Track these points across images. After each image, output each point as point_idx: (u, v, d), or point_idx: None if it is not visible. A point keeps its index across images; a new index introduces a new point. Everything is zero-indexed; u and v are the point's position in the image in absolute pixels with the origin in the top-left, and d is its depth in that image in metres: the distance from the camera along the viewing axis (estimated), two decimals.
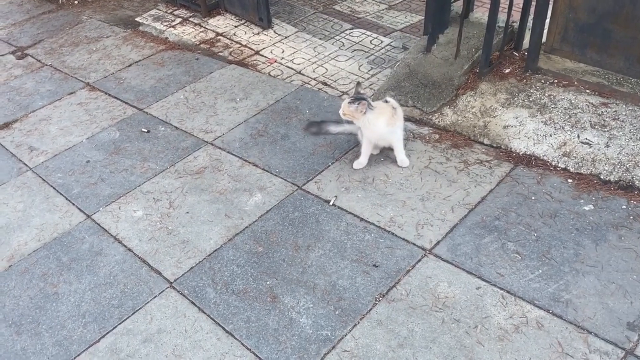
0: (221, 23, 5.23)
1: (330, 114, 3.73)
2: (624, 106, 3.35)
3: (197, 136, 3.78)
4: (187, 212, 3.16)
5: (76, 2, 6.20)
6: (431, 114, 3.62)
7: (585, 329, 2.32)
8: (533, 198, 2.96)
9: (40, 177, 3.60)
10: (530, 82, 3.66)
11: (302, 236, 2.92)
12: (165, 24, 5.35)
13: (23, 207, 3.36)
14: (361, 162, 3.30)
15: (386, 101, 3.20)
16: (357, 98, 3.06)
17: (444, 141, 3.43)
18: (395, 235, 2.85)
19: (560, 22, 3.56)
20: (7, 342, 2.57)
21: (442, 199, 3.03)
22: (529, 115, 3.43)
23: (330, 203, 3.10)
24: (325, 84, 4.19)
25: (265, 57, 4.62)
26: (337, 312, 2.52)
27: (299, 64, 4.47)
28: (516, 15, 3.87)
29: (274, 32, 4.94)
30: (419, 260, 2.71)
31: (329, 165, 3.37)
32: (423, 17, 4.40)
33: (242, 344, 2.44)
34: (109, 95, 4.39)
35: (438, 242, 2.79)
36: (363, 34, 4.82)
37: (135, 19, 5.55)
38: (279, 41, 4.81)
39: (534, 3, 3.57)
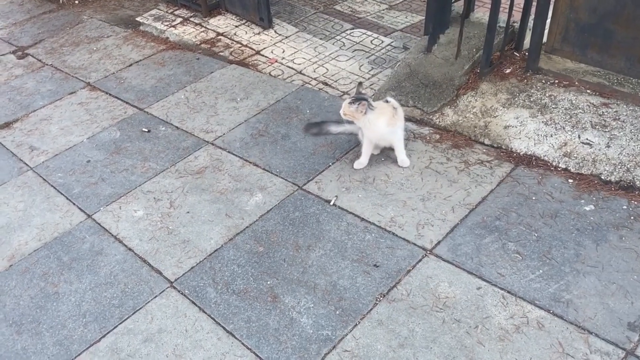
0: (222, 23, 5.23)
1: (331, 114, 3.73)
2: (624, 106, 3.35)
3: (198, 136, 3.78)
4: (188, 212, 3.16)
5: (77, 1, 6.20)
6: (432, 114, 3.62)
7: (586, 329, 2.32)
8: (534, 198, 2.96)
9: (40, 176, 3.60)
10: (531, 82, 3.66)
11: (303, 236, 2.92)
12: (166, 23, 5.35)
13: (24, 207, 3.36)
14: (362, 162, 3.30)
15: (387, 101, 3.20)
16: (358, 98, 3.06)
17: (444, 141, 3.43)
18: (396, 235, 2.85)
19: (561, 22, 3.56)
20: (7, 342, 2.57)
21: (443, 199, 3.03)
22: (529, 115, 3.43)
23: (331, 203, 3.10)
24: (325, 84, 4.19)
25: (265, 57, 4.62)
26: (337, 312, 2.52)
27: (300, 63, 4.47)
28: (517, 16, 3.87)
29: (275, 32, 4.95)
30: (420, 260, 2.71)
31: (330, 165, 3.37)
32: (424, 17, 4.40)
33: (242, 343, 2.44)
34: (110, 95, 4.39)
35: (439, 242, 2.79)
36: (364, 34, 4.82)
37: (136, 19, 5.55)
38: (280, 41, 4.81)
39: (534, 3, 3.57)
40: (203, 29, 5.18)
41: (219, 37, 5.01)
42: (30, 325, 2.64)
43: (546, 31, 3.61)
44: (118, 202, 3.30)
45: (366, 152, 3.27)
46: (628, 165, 3.02)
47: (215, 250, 2.90)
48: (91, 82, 4.59)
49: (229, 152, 3.60)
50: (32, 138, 3.99)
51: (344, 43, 4.71)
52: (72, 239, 3.09)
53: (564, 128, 3.30)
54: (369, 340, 2.39)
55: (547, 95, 3.53)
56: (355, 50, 4.59)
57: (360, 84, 3.23)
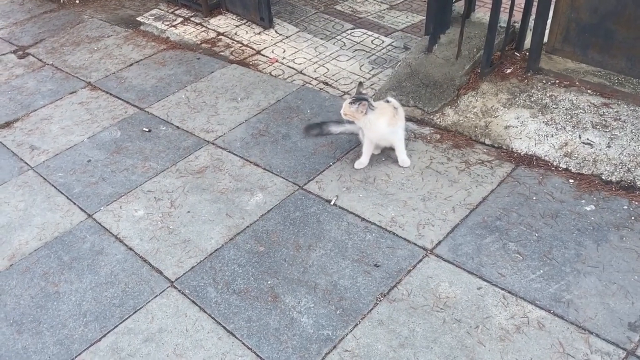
0: (222, 23, 5.23)
1: (332, 114, 3.73)
2: (625, 107, 3.35)
3: (199, 136, 3.78)
4: (188, 212, 3.16)
5: (77, 1, 6.20)
6: (432, 114, 3.62)
7: (587, 330, 2.32)
8: (534, 198, 2.96)
9: (41, 176, 3.60)
10: (531, 82, 3.66)
11: (303, 236, 2.92)
12: (167, 23, 5.35)
13: (24, 206, 3.36)
14: (362, 162, 3.30)
15: (387, 101, 3.20)
16: (358, 98, 3.06)
17: (445, 141, 3.43)
18: (397, 235, 2.85)
19: (562, 23, 3.55)
20: (8, 341, 2.57)
21: (444, 199, 3.03)
22: (530, 115, 3.43)
23: (332, 203, 3.10)
24: (326, 83, 4.19)
25: (266, 56, 4.62)
26: (338, 312, 2.52)
27: (300, 63, 4.47)
28: (518, 16, 3.86)
29: (275, 31, 4.95)
30: (420, 260, 2.71)
31: (330, 165, 3.37)
32: (424, 17, 4.40)
33: (243, 343, 2.44)
34: (110, 94, 4.39)
35: (439, 242, 2.79)
36: (364, 33, 4.81)
37: (137, 19, 5.55)
38: (280, 41, 4.81)
39: (535, 3, 3.56)
40: (204, 28, 5.19)
41: (220, 36, 5.01)
42: (30, 325, 2.64)
43: (547, 31, 3.61)
44: (118, 201, 3.30)
45: (367, 152, 3.27)
46: (629, 166, 3.02)
47: (216, 250, 2.90)
48: (92, 82, 4.59)
49: (229, 151, 3.60)
50: (32, 137, 3.99)
51: (344, 43, 4.71)
52: (72, 238, 3.10)
53: (564, 128, 3.30)
54: (370, 340, 2.39)
55: (547, 95, 3.53)
56: (356, 50, 4.59)
57: (360, 84, 3.23)
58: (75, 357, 2.48)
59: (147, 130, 3.90)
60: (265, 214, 3.08)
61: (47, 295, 2.78)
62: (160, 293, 2.71)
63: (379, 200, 3.07)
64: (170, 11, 5.58)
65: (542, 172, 3.12)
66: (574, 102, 3.44)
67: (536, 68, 3.70)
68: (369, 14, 5.21)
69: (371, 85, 4.09)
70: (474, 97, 3.65)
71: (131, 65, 4.76)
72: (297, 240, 2.89)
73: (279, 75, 4.35)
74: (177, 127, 3.90)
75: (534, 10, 3.61)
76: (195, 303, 2.64)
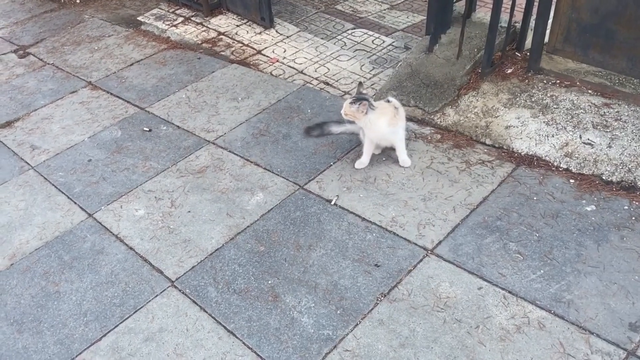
0: (223, 22, 5.23)
1: (332, 114, 3.73)
2: (626, 107, 3.34)
3: (199, 135, 3.78)
4: (189, 211, 3.16)
5: (78, 1, 6.20)
6: (433, 114, 3.62)
7: (587, 330, 2.32)
8: (535, 198, 2.96)
9: (42, 175, 3.60)
10: (532, 82, 3.65)
11: (304, 236, 2.92)
12: (167, 23, 5.35)
13: (25, 206, 3.36)
14: (363, 161, 3.30)
15: (388, 101, 3.20)
16: (359, 98, 3.06)
17: (445, 141, 3.43)
18: (397, 235, 2.85)
19: (562, 23, 3.55)
20: (8, 341, 2.57)
21: (444, 199, 3.03)
22: (531, 115, 3.43)
23: (332, 203, 3.10)
24: (327, 83, 4.19)
25: (267, 56, 4.62)
26: (338, 312, 2.52)
27: (301, 63, 4.47)
28: (518, 16, 3.86)
29: (276, 31, 4.95)
30: (421, 260, 2.71)
31: (331, 165, 3.37)
32: (425, 17, 4.39)
33: (243, 343, 2.44)
34: (111, 94, 4.39)
35: (440, 242, 2.79)
36: (365, 33, 4.81)
37: (137, 18, 5.55)
38: (281, 41, 4.81)
39: (536, 3, 3.56)
40: (204, 28, 5.19)
41: (220, 36, 5.01)
42: (31, 324, 2.64)
43: (548, 31, 3.61)
44: (119, 201, 3.30)
45: (367, 151, 3.27)
46: (629, 166, 3.02)
47: (216, 250, 2.90)
48: (92, 82, 4.59)
49: (230, 151, 3.60)
50: (33, 137, 3.99)
51: (345, 43, 4.70)
52: (73, 238, 3.10)
53: (565, 128, 3.30)
54: (370, 340, 2.39)
55: (548, 95, 3.53)
56: (357, 50, 4.59)
57: (360, 84, 3.23)
58: (76, 356, 2.48)
59: (147, 129, 3.90)
60: (265, 214, 3.08)
61: (48, 294, 2.78)
62: (161, 293, 2.71)
63: (380, 200, 3.07)
64: (171, 11, 5.58)
65: (543, 172, 3.12)
66: (575, 102, 3.44)
67: (537, 68, 3.70)
68: (370, 13, 5.21)
69: (372, 85, 4.09)
70: (475, 97, 3.65)
71: (132, 64, 4.76)
72: (297, 240, 2.89)
73: (280, 75, 4.35)
74: (178, 126, 3.90)
75: (534, 10, 3.61)
76: (195, 303, 2.64)
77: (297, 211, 3.07)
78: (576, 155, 3.15)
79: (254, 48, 4.76)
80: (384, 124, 3.08)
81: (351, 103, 3.05)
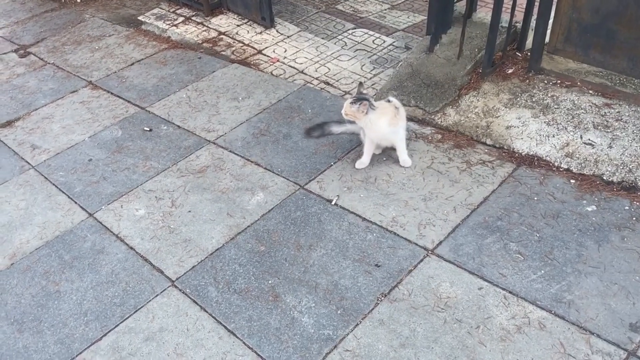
0: (224, 22, 5.23)
1: (333, 114, 3.73)
2: (627, 107, 3.34)
3: (200, 135, 3.78)
4: (189, 211, 3.16)
5: (79, 0, 6.20)
6: (434, 114, 3.62)
7: (588, 330, 2.32)
8: (535, 198, 2.96)
9: (42, 175, 3.60)
10: (533, 82, 3.65)
11: (304, 235, 2.91)
12: (168, 22, 5.35)
13: (25, 205, 3.36)
14: (363, 161, 3.29)
15: (389, 101, 3.19)
16: (359, 98, 3.06)
17: (446, 141, 3.43)
18: (398, 235, 2.85)
19: (563, 23, 3.55)
20: (9, 340, 2.58)
21: (445, 199, 3.02)
22: (531, 115, 3.43)
23: (333, 202, 3.10)
24: (327, 83, 4.19)
25: (267, 56, 4.62)
26: (339, 312, 2.51)
27: (302, 63, 4.47)
28: (519, 16, 3.86)
29: (277, 31, 4.94)
30: (421, 260, 2.70)
31: (331, 165, 3.37)
32: (426, 17, 4.39)
33: (243, 343, 2.44)
34: (112, 93, 4.39)
35: (440, 242, 2.78)
36: (365, 33, 4.81)
37: (138, 18, 5.55)
38: (282, 40, 4.81)
39: (537, 3, 3.56)
40: (205, 28, 5.19)
41: (221, 36, 5.01)
42: (31, 324, 2.64)
43: (548, 31, 3.61)
44: (119, 200, 3.30)
45: (368, 151, 3.27)
46: (630, 166, 3.02)
47: (217, 250, 2.90)
48: (93, 81, 4.59)
49: (230, 151, 3.60)
50: (33, 136, 3.99)
51: (345, 43, 4.70)
52: (73, 237, 3.10)
53: (566, 128, 3.30)
54: (370, 339, 2.39)
55: (549, 95, 3.53)
56: (357, 49, 4.58)
57: (360, 84, 3.23)
58: (76, 356, 2.48)
59: (148, 129, 3.90)
60: (266, 214, 3.08)
61: (48, 294, 2.78)
62: (161, 292, 2.71)
63: (380, 200, 3.07)
64: (171, 10, 5.58)
65: (544, 172, 3.11)
66: (576, 102, 3.44)
67: (538, 68, 3.70)
68: (370, 13, 5.21)
69: (372, 85, 4.09)
70: (476, 97, 3.65)
71: (132, 64, 4.76)
72: (298, 240, 2.89)
73: (280, 74, 4.35)
74: (178, 126, 3.90)
75: (535, 10, 3.60)
76: (196, 302, 2.64)
77: (297, 211, 3.07)
78: (577, 156, 3.14)
79: (254, 48, 4.76)
80: (385, 124, 3.08)
81: (352, 103, 3.05)
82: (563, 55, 3.68)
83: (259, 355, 2.38)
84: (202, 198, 3.24)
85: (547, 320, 2.37)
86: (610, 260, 2.59)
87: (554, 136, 3.28)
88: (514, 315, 2.41)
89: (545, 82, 3.63)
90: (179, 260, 2.87)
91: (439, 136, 3.48)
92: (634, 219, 2.78)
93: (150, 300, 2.68)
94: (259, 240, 2.93)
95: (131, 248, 2.98)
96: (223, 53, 4.74)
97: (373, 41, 4.68)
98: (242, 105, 4.02)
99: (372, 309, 2.51)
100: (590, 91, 3.50)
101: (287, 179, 3.30)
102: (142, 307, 2.66)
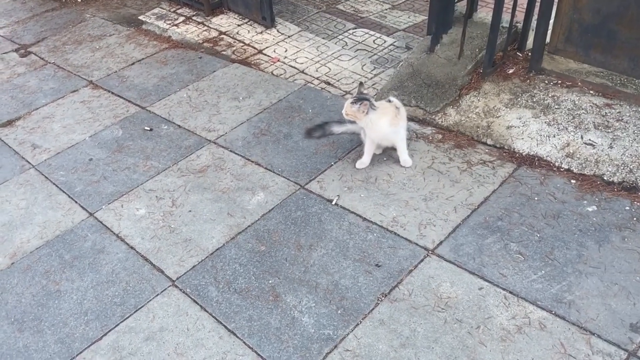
0: (224, 22, 5.23)
1: (333, 114, 3.73)
2: (627, 107, 3.34)
3: (200, 135, 3.78)
4: (190, 211, 3.16)
5: (79, 0, 6.20)
6: (434, 114, 3.62)
7: (588, 330, 2.32)
8: (536, 199, 2.96)
9: (43, 174, 3.60)
10: (533, 82, 3.65)
11: (305, 235, 2.91)
12: (169, 22, 5.35)
13: (26, 205, 3.36)
14: (364, 161, 3.29)
15: (389, 101, 3.19)
16: (360, 98, 3.06)
17: (447, 141, 3.43)
18: (398, 235, 2.85)
19: (564, 23, 3.55)
20: (9, 340, 2.58)
21: (445, 199, 3.02)
22: (532, 115, 3.43)
23: (333, 202, 3.10)
24: (328, 83, 4.19)
25: (268, 56, 4.62)
26: (339, 312, 2.51)
27: (302, 63, 4.47)
28: (520, 16, 3.86)
29: (277, 31, 4.94)
30: (422, 260, 2.70)
31: (332, 165, 3.37)
32: (426, 17, 4.39)
33: (244, 342, 2.44)
34: (112, 93, 4.39)
35: (441, 242, 2.78)
36: (366, 33, 4.81)
37: (139, 18, 5.55)
38: (282, 40, 4.81)
39: (538, 3, 3.56)
40: (205, 27, 5.18)
41: (222, 36, 5.01)
42: (32, 323, 2.64)
43: (549, 32, 3.60)
44: (120, 200, 3.31)
45: (368, 151, 3.27)
46: (631, 166, 3.01)
47: (217, 249, 2.90)
48: (93, 81, 4.59)
49: (231, 151, 3.60)
50: (34, 136, 3.99)
51: (346, 42, 4.70)
52: (74, 237, 3.10)
53: (566, 128, 3.30)
54: (371, 339, 2.39)
55: (549, 95, 3.53)
56: (358, 49, 4.58)
57: (361, 84, 3.23)
58: (76, 355, 2.48)
59: (148, 129, 3.91)
60: (266, 214, 3.08)
61: (49, 293, 2.78)
62: (162, 292, 2.71)
63: (381, 200, 3.07)
64: (172, 10, 5.58)
65: (544, 172, 3.11)
66: (576, 102, 3.44)
67: (538, 68, 3.70)
68: (371, 13, 5.21)
69: (373, 85, 4.09)
70: (476, 97, 3.65)
71: (133, 64, 4.76)
72: (298, 240, 2.89)
73: (281, 74, 4.35)
74: (179, 126, 3.90)
75: (536, 10, 3.60)
76: (196, 302, 2.64)
77: (298, 211, 3.07)
78: (577, 156, 3.14)
79: (255, 47, 4.75)
80: (385, 124, 3.08)
81: (352, 103, 3.05)
82: (564, 55, 3.67)
83: (259, 355, 2.38)
84: (202, 198, 3.24)
85: (548, 320, 2.37)
86: (611, 261, 2.59)
87: (554, 136, 3.27)
88: (515, 316, 2.41)
89: (546, 82, 3.63)
90: (179, 260, 2.87)
91: (440, 136, 3.48)
92: (635, 219, 2.78)
93: (150, 300, 2.68)
94: (260, 240, 2.93)
95: (131, 248, 2.98)
96: (224, 53, 4.74)
97: (374, 41, 4.68)
98: (242, 105, 4.02)
99: (373, 309, 2.51)
100: (591, 91, 3.50)
101: (288, 179, 3.30)
102: (142, 306, 2.66)
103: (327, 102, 3.93)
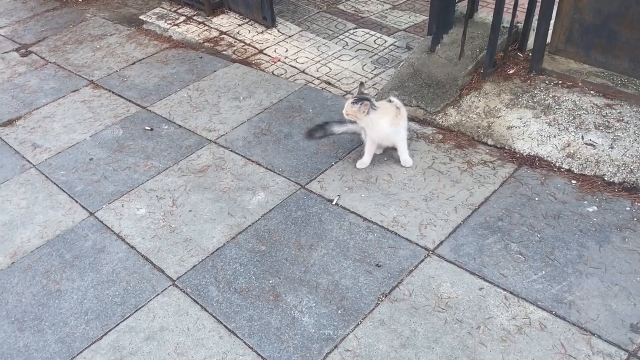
0: (225, 22, 5.23)
1: (334, 114, 3.73)
2: (628, 107, 3.34)
3: (201, 134, 3.78)
4: (190, 211, 3.16)
5: None
6: (435, 114, 3.62)
7: (589, 331, 2.32)
8: (537, 199, 2.96)
9: (43, 174, 3.60)
10: (534, 82, 3.65)
11: (305, 235, 2.91)
12: (169, 22, 5.35)
13: (26, 204, 3.37)
14: (364, 161, 3.29)
15: (390, 101, 3.19)
16: (360, 98, 3.06)
17: (447, 141, 3.43)
18: (398, 235, 2.85)
19: (565, 23, 3.55)
20: (9, 339, 2.58)
21: (446, 199, 3.02)
22: (533, 116, 3.42)
23: (334, 202, 3.10)
24: (328, 83, 4.19)
25: (269, 56, 4.62)
26: (339, 312, 2.51)
27: (303, 63, 4.47)
28: (521, 16, 3.86)
29: (278, 31, 4.94)
30: (422, 261, 2.70)
31: (332, 165, 3.37)
32: (427, 17, 4.39)
33: (244, 342, 2.44)
34: (113, 93, 4.39)
35: (441, 243, 2.78)
36: (367, 33, 4.81)
37: (139, 17, 5.56)
38: (283, 40, 4.81)
39: (539, 4, 3.56)
40: (206, 27, 5.19)
41: (222, 35, 5.01)
42: (32, 323, 2.64)
43: (550, 32, 3.60)
44: (120, 200, 3.31)
45: (369, 151, 3.27)
46: (631, 167, 3.01)
47: (218, 249, 2.90)
48: (94, 80, 4.59)
49: (231, 150, 3.60)
50: (35, 135, 3.99)
51: (347, 42, 4.70)
52: (74, 236, 3.10)
53: (567, 129, 3.30)
54: (371, 340, 2.39)
55: (550, 95, 3.53)
56: (359, 49, 4.58)
57: (362, 84, 3.23)
58: (77, 355, 2.48)
59: (149, 128, 3.91)
60: (267, 213, 3.08)
61: (49, 293, 2.78)
62: (162, 292, 2.71)
63: (381, 200, 3.07)
64: (172, 10, 5.58)
65: (545, 172, 3.11)
66: (577, 102, 3.44)
67: (539, 68, 3.70)
68: (372, 13, 5.21)
69: (373, 85, 4.09)
70: (477, 97, 3.65)
71: (134, 63, 4.77)
72: (298, 240, 2.89)
73: (282, 74, 4.35)
74: (179, 125, 3.90)
75: (537, 10, 3.60)
76: (196, 302, 2.64)
77: (298, 211, 3.07)
78: (578, 156, 3.14)
79: (255, 47, 4.75)
80: (386, 124, 3.08)
81: (353, 103, 3.05)
82: (564, 55, 3.67)
83: (259, 354, 2.38)
84: (203, 197, 3.24)
85: (548, 320, 2.37)
86: (611, 261, 2.59)
87: (555, 137, 3.27)
88: (515, 316, 2.41)
89: (547, 82, 3.63)
90: (179, 260, 2.87)
91: (440, 136, 3.48)
92: (635, 219, 2.78)
93: (150, 300, 2.68)
94: (260, 239, 2.93)
95: (132, 247, 2.98)
96: (224, 52, 4.74)
97: (374, 41, 4.68)
98: (243, 105, 4.02)
99: (373, 309, 2.51)
100: (592, 92, 3.50)
101: (288, 179, 3.30)
102: (142, 306, 2.66)
103: (327, 102, 3.93)
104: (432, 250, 2.75)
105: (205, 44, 4.92)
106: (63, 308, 2.69)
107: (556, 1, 3.49)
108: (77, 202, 3.34)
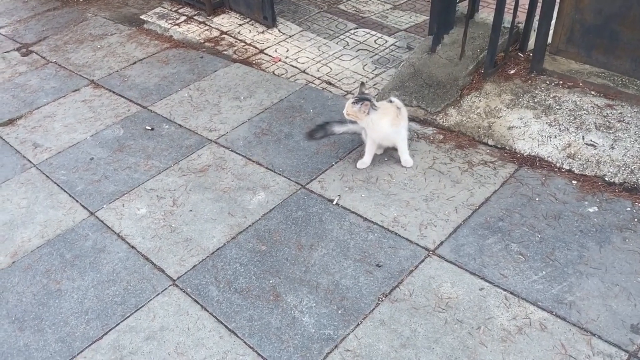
0: (226, 21, 5.23)
1: (334, 114, 3.73)
2: (629, 108, 3.34)
3: (201, 134, 3.78)
4: (191, 210, 3.16)
5: None
6: (435, 114, 3.62)
7: (589, 331, 2.31)
8: (537, 199, 2.95)
9: (44, 173, 3.60)
10: (535, 83, 3.65)
11: (306, 235, 2.91)
12: (170, 22, 5.35)
13: (27, 204, 3.37)
14: (365, 161, 3.29)
15: (390, 101, 3.19)
16: (361, 98, 3.05)
17: (448, 141, 3.43)
18: (399, 235, 2.85)
19: (566, 24, 3.55)
20: (10, 338, 2.58)
21: (446, 200, 3.02)
22: (533, 116, 3.42)
23: (334, 202, 3.10)
24: (329, 83, 4.19)
25: (269, 55, 4.62)
26: (339, 312, 2.51)
27: (304, 63, 4.47)
28: (522, 16, 3.86)
29: (279, 30, 4.94)
30: (422, 261, 2.70)
31: (333, 165, 3.37)
32: (428, 17, 4.39)
33: (244, 342, 2.44)
34: (113, 92, 4.39)
35: (441, 243, 2.78)
36: (367, 33, 4.81)
37: (140, 17, 5.56)
38: (284, 40, 4.81)
39: (539, 4, 3.56)
40: (207, 27, 5.19)
41: (223, 35, 5.01)
42: (32, 322, 2.64)
43: (551, 32, 3.60)
44: (121, 199, 3.31)
45: (369, 151, 3.27)
46: (632, 167, 3.01)
47: (218, 249, 2.90)
48: (95, 80, 4.60)
49: (232, 150, 3.60)
50: (35, 135, 4.00)
51: (347, 42, 4.70)
52: (75, 236, 3.10)
53: (568, 129, 3.30)
54: (371, 340, 2.39)
55: (551, 96, 3.52)
56: (359, 49, 4.58)
57: (362, 84, 3.23)
58: (77, 354, 2.48)
59: (149, 128, 3.91)
60: (267, 213, 3.08)
61: (49, 292, 2.78)
62: (162, 291, 2.72)
63: (382, 200, 3.07)
64: (173, 10, 5.59)
65: (545, 173, 3.11)
66: (578, 103, 3.44)
67: (540, 69, 3.70)
68: (373, 13, 5.21)
69: (374, 85, 4.08)
70: (477, 97, 3.65)
71: (134, 63, 4.77)
72: (299, 240, 2.89)
73: (282, 74, 4.35)
74: (180, 125, 3.90)
75: (538, 11, 3.60)
76: (196, 302, 2.64)
77: (298, 211, 3.07)
78: (579, 157, 3.14)
79: (256, 47, 4.75)
80: (386, 124, 3.08)
81: (353, 103, 3.05)
82: (565, 56, 3.67)
83: (259, 354, 2.38)
84: (203, 197, 3.24)
85: (548, 321, 2.37)
86: (612, 262, 2.59)
87: (555, 137, 3.27)
88: (515, 316, 2.41)
89: (548, 82, 3.63)
90: (180, 260, 2.87)
91: (441, 136, 3.48)
92: (636, 220, 2.78)
93: (151, 299, 2.68)
94: (260, 239, 2.93)
95: (132, 247, 2.98)
96: (225, 52, 4.75)
97: (375, 41, 4.68)
98: (243, 105, 4.02)
99: (373, 309, 2.51)
100: (593, 92, 3.50)
101: (289, 179, 3.30)
102: (143, 306, 2.66)
103: (328, 102, 3.93)
104: (433, 251, 2.75)
105: (206, 43, 4.92)
106: (63, 307, 2.70)
107: (557, 1, 3.48)
108: (77, 201, 3.34)
